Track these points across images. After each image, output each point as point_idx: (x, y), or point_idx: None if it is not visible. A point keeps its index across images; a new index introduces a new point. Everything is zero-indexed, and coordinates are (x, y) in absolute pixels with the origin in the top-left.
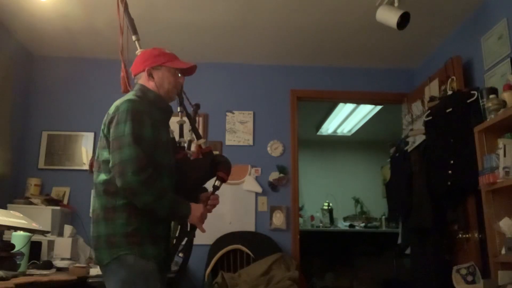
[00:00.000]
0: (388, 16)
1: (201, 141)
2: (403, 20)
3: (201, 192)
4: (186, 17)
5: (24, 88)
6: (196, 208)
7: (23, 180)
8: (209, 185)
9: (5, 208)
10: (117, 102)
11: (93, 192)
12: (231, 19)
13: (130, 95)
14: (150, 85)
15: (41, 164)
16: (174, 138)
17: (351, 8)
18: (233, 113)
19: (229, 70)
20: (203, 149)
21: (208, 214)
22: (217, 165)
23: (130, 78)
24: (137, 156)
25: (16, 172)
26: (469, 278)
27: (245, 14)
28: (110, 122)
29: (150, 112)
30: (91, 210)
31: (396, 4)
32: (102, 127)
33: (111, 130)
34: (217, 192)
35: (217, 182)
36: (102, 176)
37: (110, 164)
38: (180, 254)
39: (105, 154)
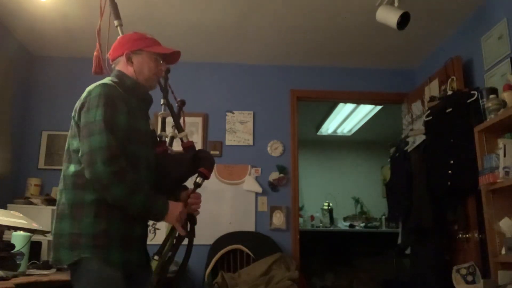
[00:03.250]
0: (388, 16)
1: (183, 134)
2: (403, 20)
3: (181, 190)
4: (186, 17)
5: (24, 88)
6: (174, 207)
7: (23, 180)
8: (190, 183)
9: (5, 208)
10: (89, 87)
11: (59, 185)
12: (231, 19)
13: (105, 80)
14: (129, 70)
15: (41, 164)
16: (154, 130)
17: (351, 8)
18: (233, 113)
19: (229, 70)
20: (184, 143)
21: (208, 214)
22: (199, 160)
23: (104, 60)
24: (108, 144)
25: (16, 172)
26: (469, 278)
27: (245, 14)
28: (81, 108)
29: (126, 98)
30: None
31: (396, 4)
32: (73, 113)
33: (82, 116)
34: (216, 192)
35: (198, 179)
36: (72, 168)
37: (80, 154)
38: (155, 257)
39: (75, 144)
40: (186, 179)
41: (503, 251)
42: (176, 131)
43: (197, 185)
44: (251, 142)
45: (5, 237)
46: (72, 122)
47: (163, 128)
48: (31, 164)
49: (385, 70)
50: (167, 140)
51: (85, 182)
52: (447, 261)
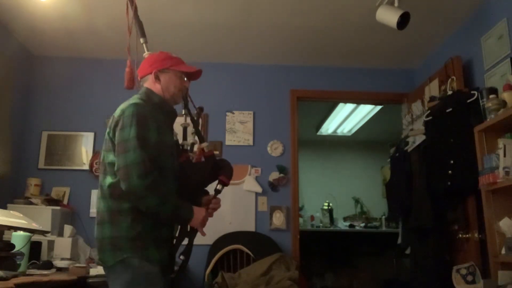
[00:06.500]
0: (388, 16)
1: (204, 144)
2: (403, 20)
3: (203, 195)
4: (186, 17)
5: (24, 88)
6: (198, 212)
7: (23, 180)
8: (211, 188)
9: (5, 208)
10: (122, 106)
11: (98, 193)
12: (231, 19)
13: (135, 99)
14: (156, 88)
15: (41, 164)
16: (177, 140)
17: (351, 8)
18: (233, 113)
19: (229, 70)
20: (205, 153)
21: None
22: (219, 169)
23: (135, 75)
24: (142, 160)
25: (16, 172)
26: (469, 278)
27: (245, 14)
28: (115, 126)
29: (154, 115)
30: (95, 211)
31: (396, 4)
32: (108, 130)
33: (117, 134)
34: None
35: (218, 186)
36: (108, 179)
37: (116, 168)
38: (181, 257)
39: (110, 157)
40: (205, 186)
41: (503, 251)
42: (196, 138)
43: (217, 192)
44: (251, 142)
45: (5, 237)
46: (107, 137)
47: (185, 137)
48: (31, 164)
49: (385, 70)
50: (188, 148)
51: (121, 193)
52: (447, 261)
